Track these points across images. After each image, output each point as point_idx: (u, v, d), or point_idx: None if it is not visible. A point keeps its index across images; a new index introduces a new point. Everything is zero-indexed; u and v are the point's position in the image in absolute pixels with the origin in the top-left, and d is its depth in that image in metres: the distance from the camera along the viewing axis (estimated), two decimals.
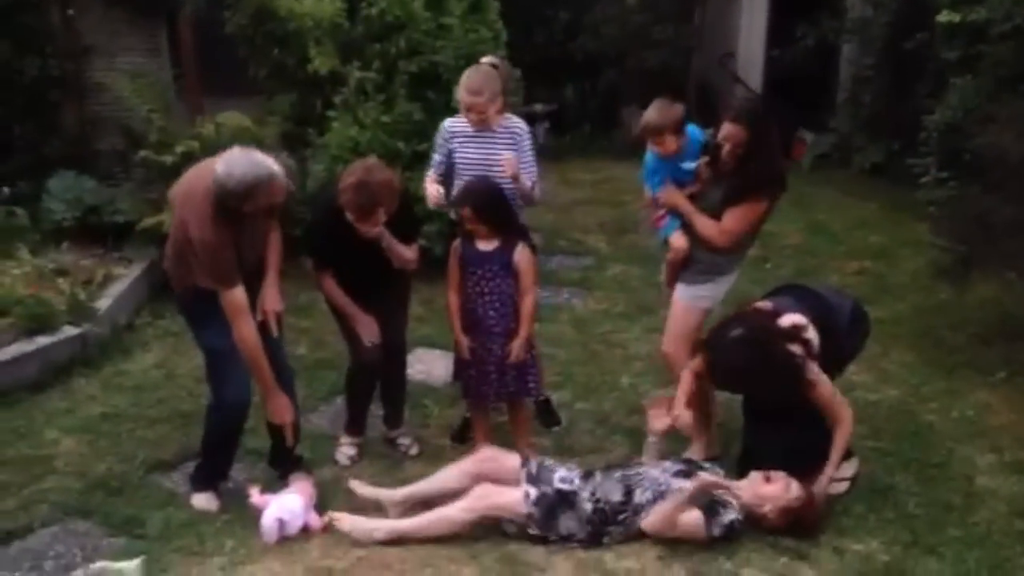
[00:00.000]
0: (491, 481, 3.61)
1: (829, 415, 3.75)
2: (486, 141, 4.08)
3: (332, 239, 3.85)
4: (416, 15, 6.11)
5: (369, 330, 3.99)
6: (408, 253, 3.99)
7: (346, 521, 3.56)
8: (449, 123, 4.22)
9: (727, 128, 3.80)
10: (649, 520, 3.50)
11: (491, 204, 3.90)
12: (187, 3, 7.20)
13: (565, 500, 3.52)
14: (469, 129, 4.11)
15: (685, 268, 4.08)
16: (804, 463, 3.69)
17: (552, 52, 10.35)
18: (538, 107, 9.90)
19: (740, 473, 3.76)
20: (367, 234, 3.77)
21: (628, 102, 10.78)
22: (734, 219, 3.89)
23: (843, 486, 3.86)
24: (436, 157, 4.25)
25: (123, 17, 7.05)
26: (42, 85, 6.80)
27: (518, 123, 4.16)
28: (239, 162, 3.39)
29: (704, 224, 3.94)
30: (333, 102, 6.25)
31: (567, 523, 3.51)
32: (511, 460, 3.74)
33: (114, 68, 6.98)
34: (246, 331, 3.50)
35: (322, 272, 4.00)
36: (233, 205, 3.39)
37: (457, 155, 4.15)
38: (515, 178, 4.02)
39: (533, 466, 3.65)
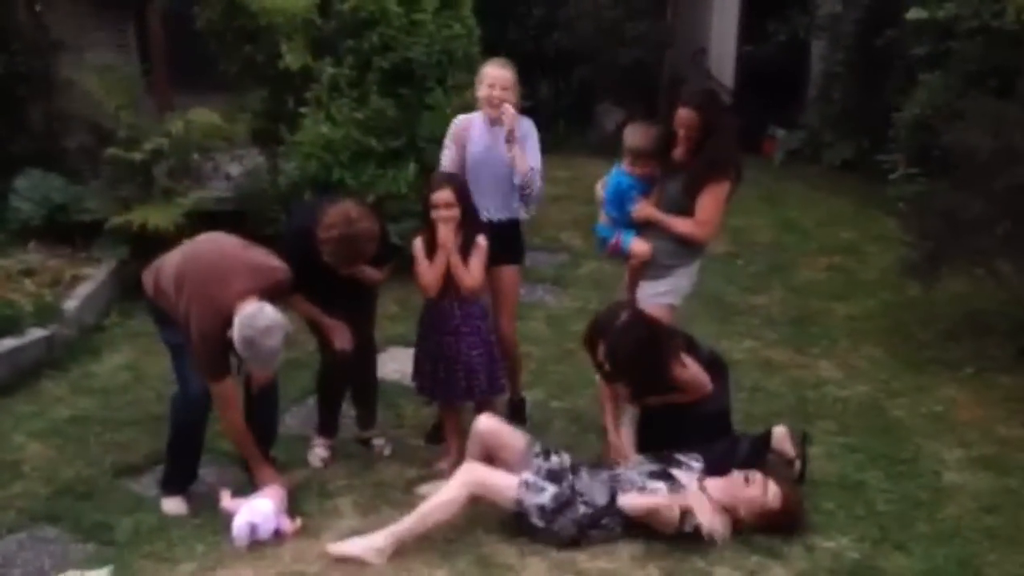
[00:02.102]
0: (494, 449, 3.69)
1: (692, 388, 3.83)
2: (496, 137, 4.15)
3: (305, 265, 3.80)
4: (389, 11, 6.06)
5: (343, 338, 3.99)
6: (378, 274, 4.02)
7: (346, 548, 3.42)
8: (461, 119, 4.30)
9: (680, 114, 3.92)
10: (630, 502, 3.50)
11: (467, 190, 3.96)
12: None
13: (571, 500, 3.52)
14: (480, 125, 4.19)
15: (644, 267, 4.14)
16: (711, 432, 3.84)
17: (526, 48, 10.32)
18: None
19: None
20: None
21: (602, 99, 10.79)
22: (706, 208, 3.95)
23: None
24: (447, 153, 4.31)
25: (91, 12, 6.94)
26: (8, 81, 6.68)
27: (524, 120, 4.24)
28: (265, 330, 3.40)
29: (680, 224, 3.98)
30: (305, 99, 6.20)
31: (562, 521, 3.50)
32: (515, 438, 3.76)
33: (82, 64, 6.87)
34: (234, 418, 3.63)
35: (293, 293, 3.97)
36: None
37: (469, 150, 4.21)
38: (511, 138, 4.04)
39: (552, 462, 3.65)
